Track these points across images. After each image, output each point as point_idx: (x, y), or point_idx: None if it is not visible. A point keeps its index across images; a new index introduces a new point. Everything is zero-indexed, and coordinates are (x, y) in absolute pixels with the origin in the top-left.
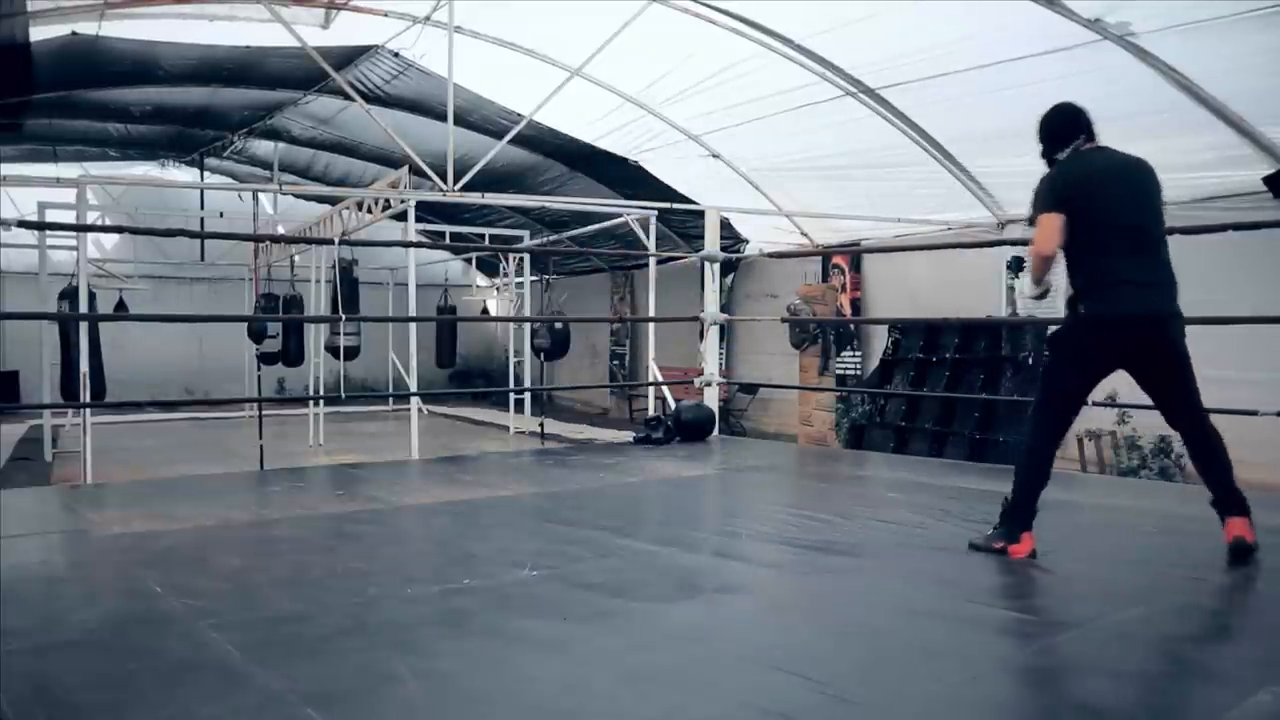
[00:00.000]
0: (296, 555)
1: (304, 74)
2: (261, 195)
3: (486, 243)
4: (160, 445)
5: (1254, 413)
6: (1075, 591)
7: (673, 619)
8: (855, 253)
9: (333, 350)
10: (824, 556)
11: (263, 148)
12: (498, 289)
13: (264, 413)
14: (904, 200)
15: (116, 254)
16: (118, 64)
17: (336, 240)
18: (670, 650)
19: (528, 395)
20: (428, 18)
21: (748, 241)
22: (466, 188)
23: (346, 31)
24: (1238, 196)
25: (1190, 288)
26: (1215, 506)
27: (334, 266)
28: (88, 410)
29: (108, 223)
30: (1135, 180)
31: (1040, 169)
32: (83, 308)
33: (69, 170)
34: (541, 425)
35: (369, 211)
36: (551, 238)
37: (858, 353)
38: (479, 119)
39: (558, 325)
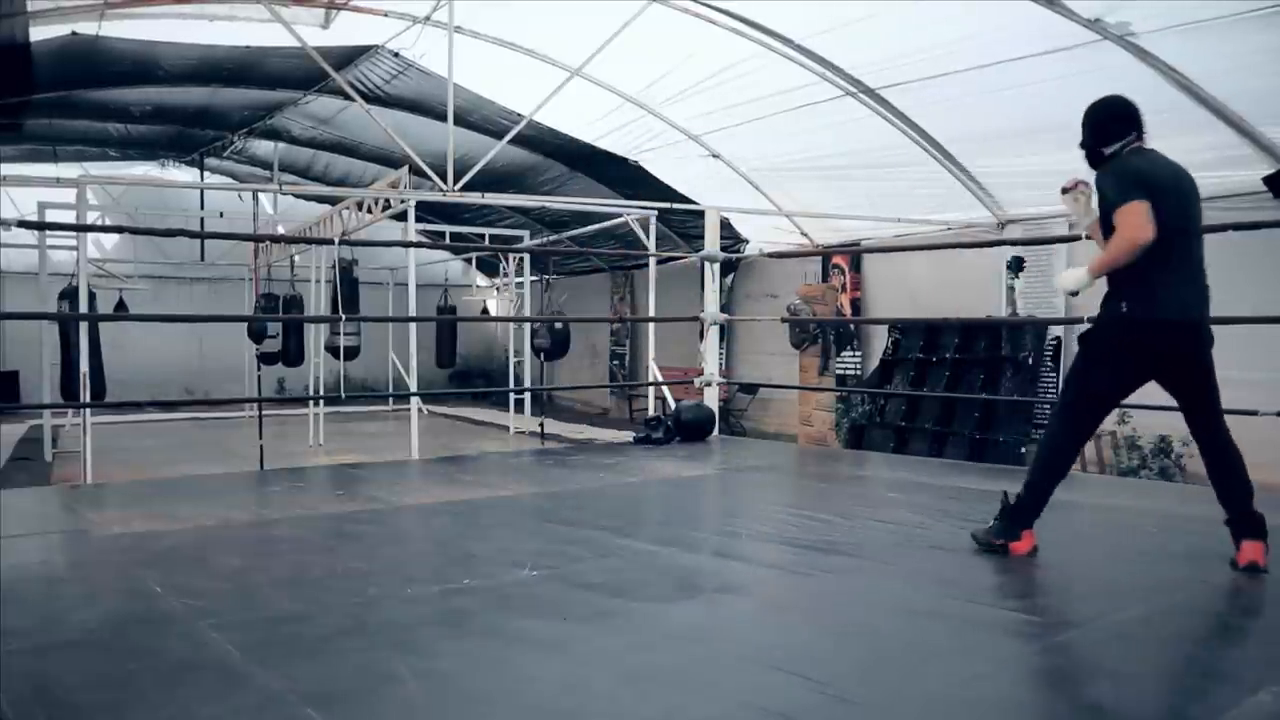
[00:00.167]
0: (296, 555)
1: (304, 74)
2: (261, 195)
3: (486, 243)
4: (160, 445)
5: (1254, 413)
6: (1075, 591)
7: (673, 619)
8: (855, 253)
9: (333, 350)
10: (824, 556)
11: (263, 148)
12: (498, 289)
13: (264, 413)
14: (904, 200)
15: (116, 254)
16: (118, 64)
17: (336, 240)
18: (670, 650)
19: (528, 395)
20: (428, 18)
21: (748, 241)
22: (466, 188)
23: (346, 31)
24: (1238, 196)
25: None
26: (1230, 527)
27: (334, 266)
28: (88, 410)
29: (108, 223)
30: (1187, 189)
31: (1043, 168)
32: (83, 308)
33: (69, 170)
34: (541, 425)
35: (369, 211)
36: (551, 238)
37: (858, 353)
38: (479, 119)
39: (558, 325)
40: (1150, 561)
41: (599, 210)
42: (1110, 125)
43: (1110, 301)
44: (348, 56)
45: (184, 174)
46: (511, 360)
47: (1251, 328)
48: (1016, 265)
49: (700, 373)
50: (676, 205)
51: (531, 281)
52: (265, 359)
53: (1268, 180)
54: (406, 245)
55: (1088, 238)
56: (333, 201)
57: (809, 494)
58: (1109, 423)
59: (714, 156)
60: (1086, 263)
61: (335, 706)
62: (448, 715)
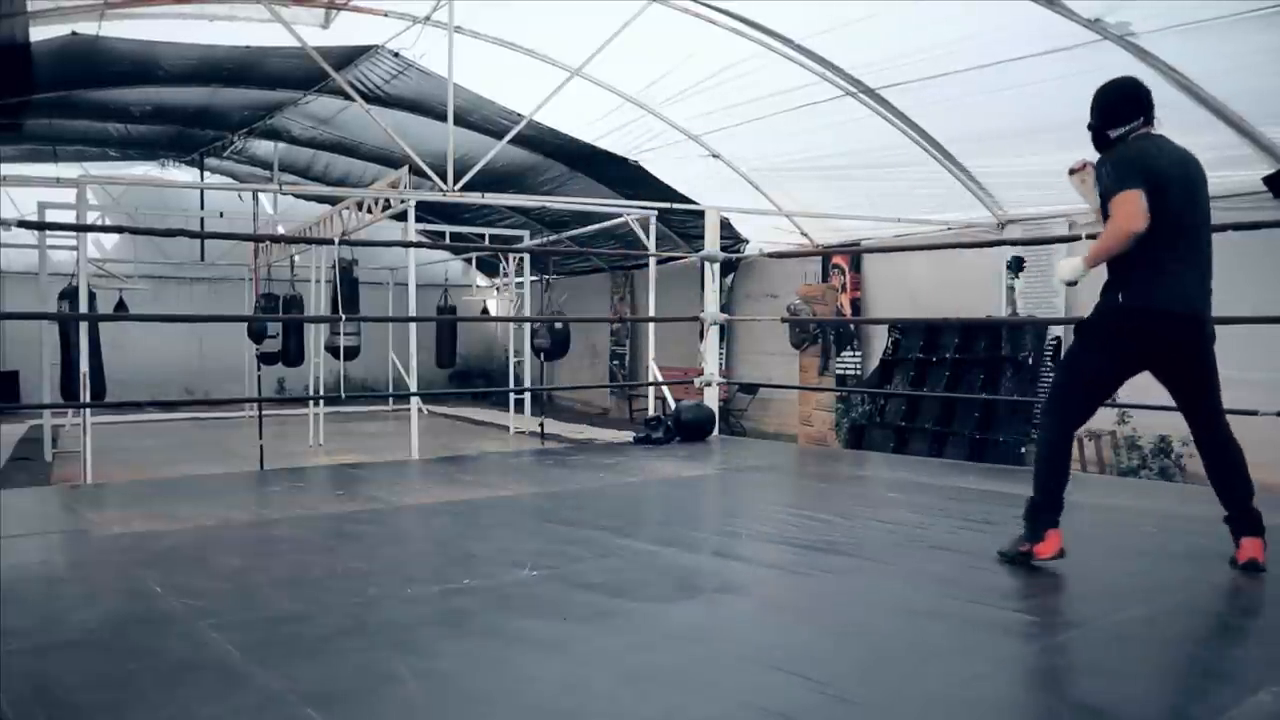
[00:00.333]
0: (296, 555)
1: (304, 74)
2: (261, 195)
3: (486, 243)
4: (160, 445)
5: (1254, 413)
6: (1075, 591)
7: (673, 619)
8: (855, 253)
9: (333, 350)
10: (824, 556)
11: (263, 148)
12: (498, 289)
13: (264, 413)
14: (904, 200)
15: (116, 254)
16: (118, 64)
17: (336, 240)
18: (670, 650)
19: (528, 395)
20: (428, 18)
21: (748, 241)
22: (466, 188)
23: (346, 31)
24: (1238, 196)
25: None
26: (1229, 524)
27: (334, 266)
28: (88, 410)
29: (108, 223)
30: (1191, 175)
31: (1043, 168)
32: (83, 308)
33: (69, 170)
34: (541, 425)
35: (369, 211)
36: (551, 238)
37: (858, 353)
38: (479, 119)
39: (558, 325)
40: (1150, 561)
41: (599, 210)
42: (1118, 108)
43: (1109, 291)
44: (348, 56)
45: (184, 174)
46: (511, 360)
47: (1251, 328)
48: (1016, 265)
49: (700, 373)
50: (676, 205)
51: (531, 281)
52: (265, 359)
53: (1268, 180)
54: (406, 245)
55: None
56: (333, 201)
57: (809, 494)
58: (1109, 423)
59: (714, 156)
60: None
61: (335, 706)
62: (448, 715)
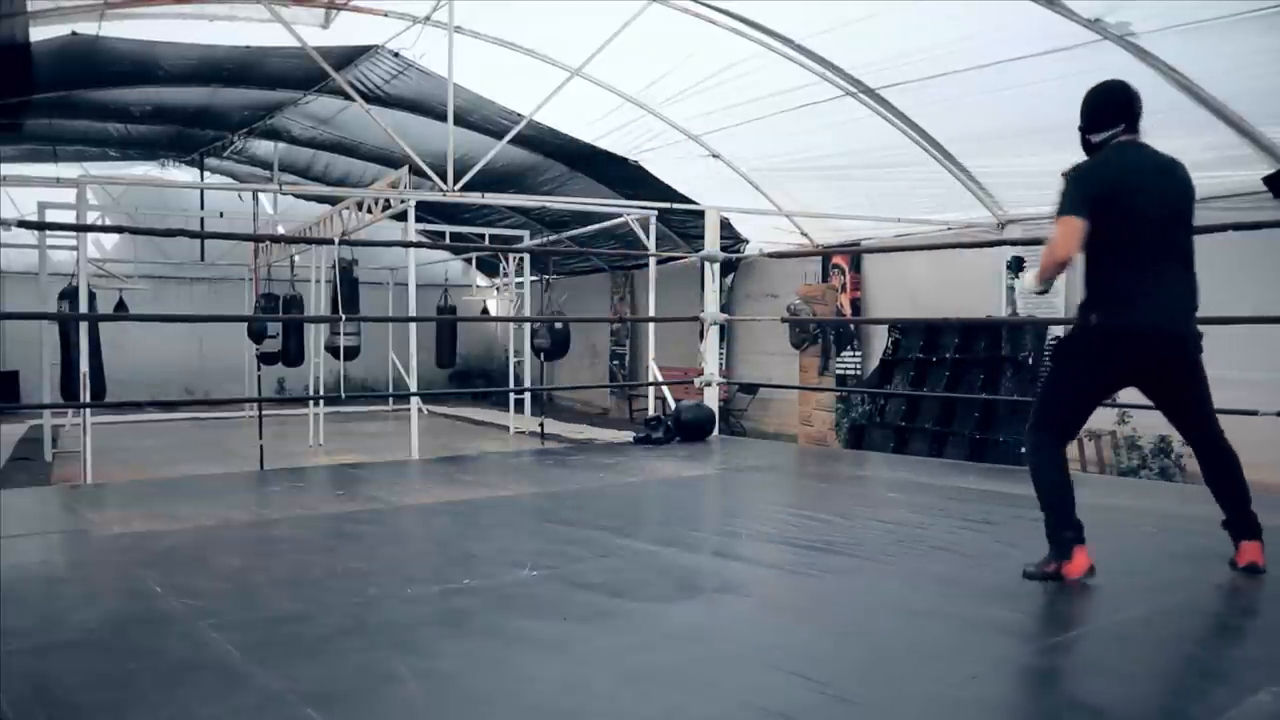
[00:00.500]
0: (296, 555)
1: (304, 74)
2: (261, 195)
3: (486, 243)
4: (160, 445)
5: (1254, 413)
6: (1075, 592)
7: (673, 619)
8: (855, 253)
9: (333, 350)
10: (824, 556)
11: (263, 148)
12: (498, 289)
13: (264, 413)
14: (904, 200)
15: (116, 254)
16: (118, 64)
17: (336, 240)
18: (670, 650)
19: (528, 395)
20: (428, 18)
21: (748, 241)
22: (466, 188)
23: (346, 31)
24: (1238, 196)
25: None
26: (1228, 529)
27: (334, 266)
28: (88, 410)
29: (108, 223)
30: (1169, 185)
31: (1042, 168)
32: (83, 308)
33: (69, 170)
34: (541, 425)
35: (369, 211)
36: (551, 238)
37: (858, 353)
38: (479, 119)
39: (558, 325)
40: (1150, 561)
41: (599, 210)
42: (1100, 113)
43: (1082, 310)
44: (348, 56)
45: (184, 174)
46: (511, 360)
47: (1251, 328)
48: (1016, 265)
49: (700, 373)
50: (676, 205)
51: (531, 281)
52: (265, 359)
53: (1268, 180)
54: (406, 245)
55: None
56: (333, 201)
57: (809, 494)
58: (1109, 423)
59: (714, 156)
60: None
61: (335, 706)
62: (448, 715)
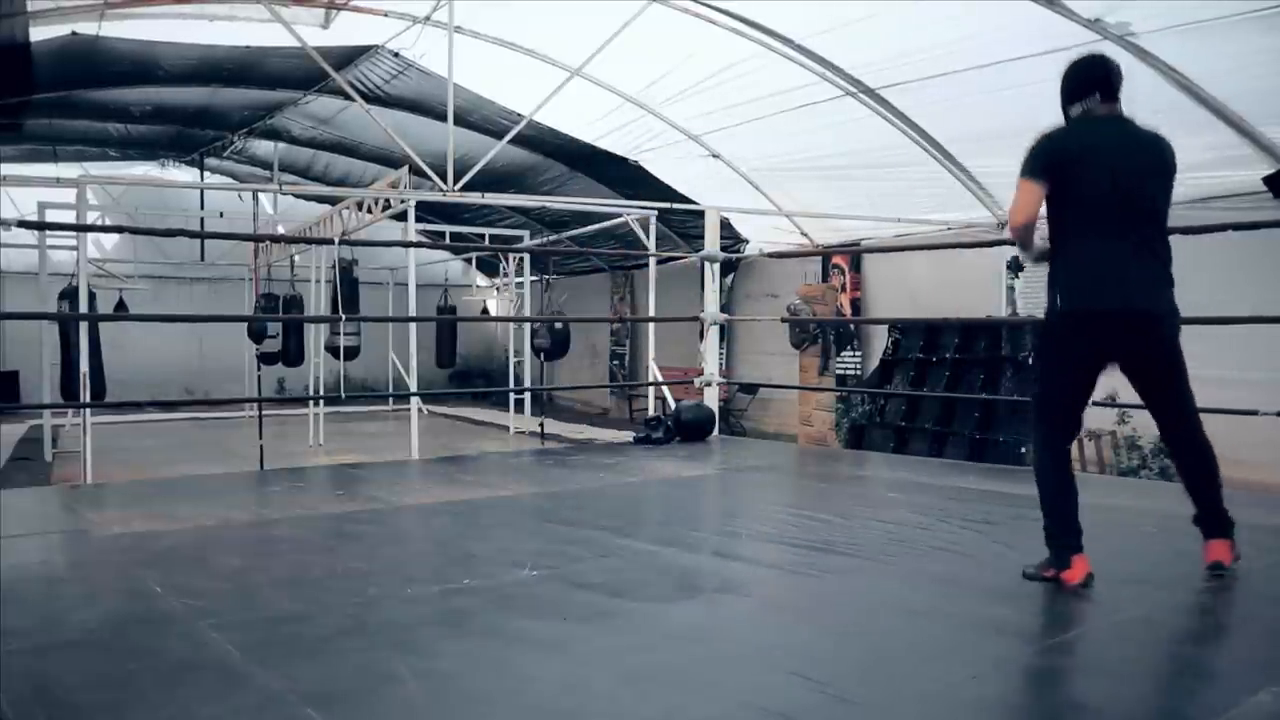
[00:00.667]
0: (296, 555)
1: (304, 74)
2: (261, 195)
3: (486, 243)
4: (160, 445)
5: (1254, 413)
6: (1075, 591)
7: (673, 619)
8: (855, 253)
9: (333, 350)
10: (824, 556)
11: (263, 148)
12: (498, 289)
13: (264, 413)
14: (904, 200)
15: (116, 254)
16: (118, 64)
17: (336, 240)
18: (670, 650)
19: (528, 395)
20: (428, 18)
21: (748, 241)
22: (466, 188)
23: (346, 31)
24: (1238, 196)
25: (1190, 288)
26: (1198, 524)
27: (334, 266)
28: (88, 410)
29: (108, 223)
30: (1142, 157)
31: None
32: (83, 308)
33: (69, 170)
34: (541, 425)
35: (369, 211)
36: (551, 238)
37: (858, 353)
38: (479, 119)
39: (558, 325)
40: (1150, 561)
41: (599, 210)
42: (1073, 85)
43: (1048, 291)
44: (348, 56)
45: (184, 174)
46: (511, 360)
47: (1251, 328)
48: (1016, 265)
49: (700, 373)
50: (676, 205)
51: (531, 281)
52: (265, 359)
53: (1268, 180)
54: (406, 245)
55: None
56: (333, 201)
57: (809, 494)
58: (1109, 423)
59: (714, 156)
60: None
61: (335, 706)
62: (448, 715)
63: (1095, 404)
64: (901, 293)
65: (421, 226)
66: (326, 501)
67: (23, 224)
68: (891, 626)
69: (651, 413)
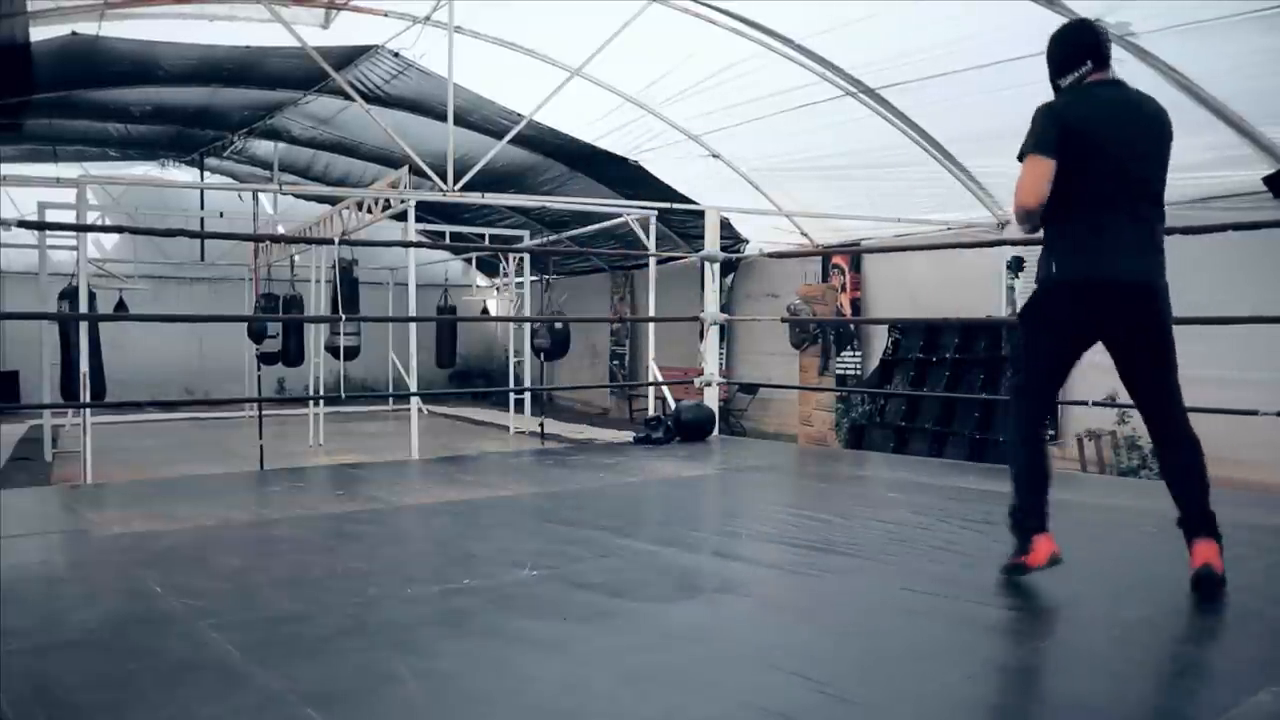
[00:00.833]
0: (296, 555)
1: (304, 74)
2: (261, 195)
3: (486, 243)
4: (160, 445)
5: (1254, 413)
6: (1075, 591)
7: (673, 619)
8: (855, 253)
9: (333, 350)
10: (824, 556)
11: (263, 148)
12: (498, 289)
13: (264, 413)
14: (904, 200)
15: (116, 254)
16: (118, 64)
17: (336, 240)
18: (670, 650)
19: (528, 395)
20: (428, 18)
21: (748, 241)
22: (466, 188)
23: (346, 31)
24: (1238, 196)
25: (1190, 288)
26: (1182, 527)
27: (334, 266)
28: (88, 410)
29: (108, 223)
30: (1144, 124)
31: None
32: (83, 308)
33: (69, 170)
34: (541, 425)
35: (369, 211)
36: (551, 238)
37: (858, 353)
38: (479, 119)
39: (558, 325)
40: (1150, 561)
41: (599, 210)
42: (1063, 55)
43: (1042, 260)
44: (348, 56)
45: (184, 174)
46: (511, 360)
47: (1251, 328)
48: (1016, 265)
49: (700, 373)
50: (676, 205)
51: (531, 281)
52: (265, 359)
53: (1268, 180)
54: (406, 245)
55: None
56: (333, 201)
57: (809, 494)
58: (1109, 423)
59: (714, 156)
60: None
61: (335, 706)
62: (448, 715)
63: (1095, 404)
64: (901, 293)
65: (421, 226)
66: (326, 501)
67: (23, 224)
68: (891, 626)
69: (651, 413)
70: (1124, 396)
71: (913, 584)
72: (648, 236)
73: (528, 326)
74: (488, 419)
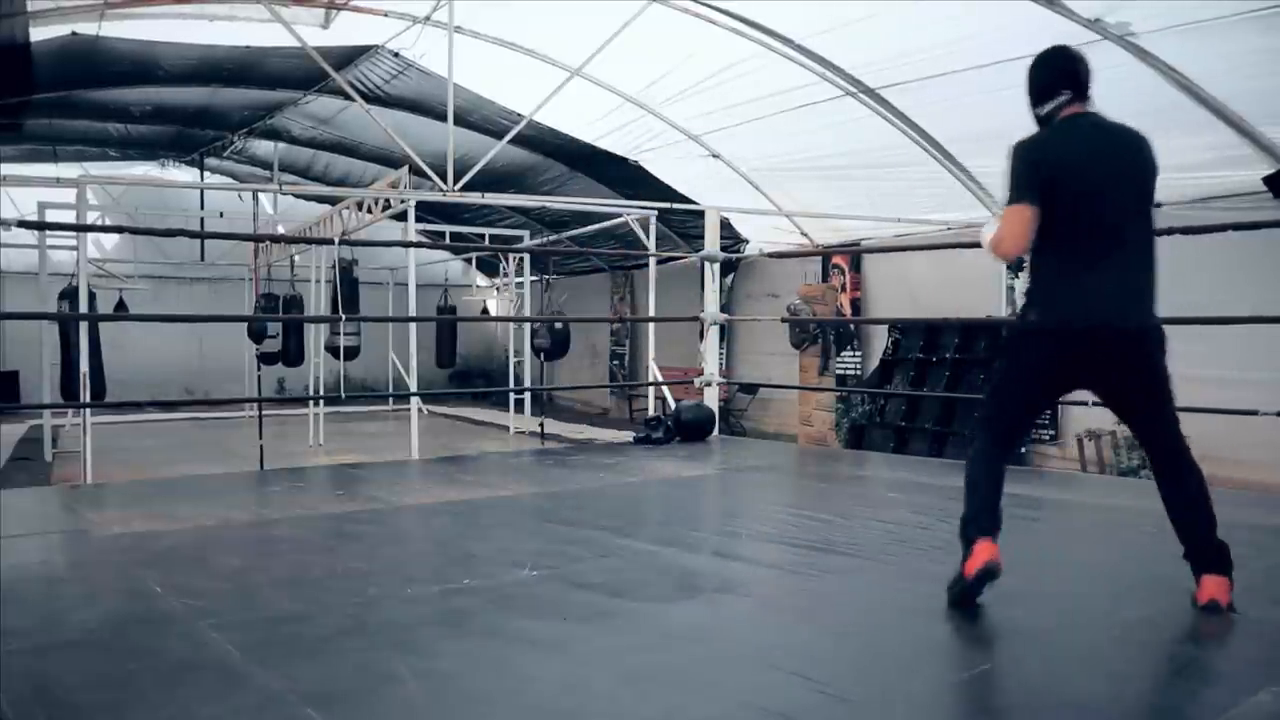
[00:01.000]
0: (296, 555)
1: (304, 74)
2: (261, 195)
3: (486, 243)
4: (160, 445)
5: (1254, 413)
6: (1075, 591)
7: (673, 619)
8: (855, 253)
9: (333, 350)
10: (824, 556)
11: (263, 148)
12: (498, 289)
13: (264, 413)
14: (904, 200)
15: (116, 254)
16: (118, 64)
17: (336, 240)
18: (670, 650)
19: (528, 395)
20: (428, 18)
21: (748, 241)
22: (466, 188)
23: (346, 31)
24: (1238, 196)
25: (1190, 288)
26: (1189, 560)
27: (334, 266)
28: (88, 410)
29: (108, 223)
30: (1125, 160)
31: None
32: (83, 308)
33: (69, 170)
34: (541, 425)
35: (369, 211)
36: (551, 238)
37: (858, 353)
38: (479, 119)
39: (558, 325)
40: (1150, 561)
41: (599, 210)
42: (1040, 82)
43: (1025, 304)
44: (348, 56)
45: (184, 174)
46: (511, 360)
47: (1251, 328)
48: (1016, 265)
49: (700, 373)
50: (676, 205)
51: (531, 281)
52: (265, 359)
53: (1268, 180)
54: (406, 245)
55: None
56: (333, 201)
57: (809, 494)
58: (1109, 423)
59: (714, 156)
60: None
61: (335, 706)
62: (448, 715)
63: (1095, 404)
64: (901, 293)
65: (421, 226)
66: (326, 501)
67: (23, 224)
68: (891, 626)
69: (651, 413)
70: None
71: (913, 584)
72: (648, 236)
73: (528, 326)
74: (488, 419)
